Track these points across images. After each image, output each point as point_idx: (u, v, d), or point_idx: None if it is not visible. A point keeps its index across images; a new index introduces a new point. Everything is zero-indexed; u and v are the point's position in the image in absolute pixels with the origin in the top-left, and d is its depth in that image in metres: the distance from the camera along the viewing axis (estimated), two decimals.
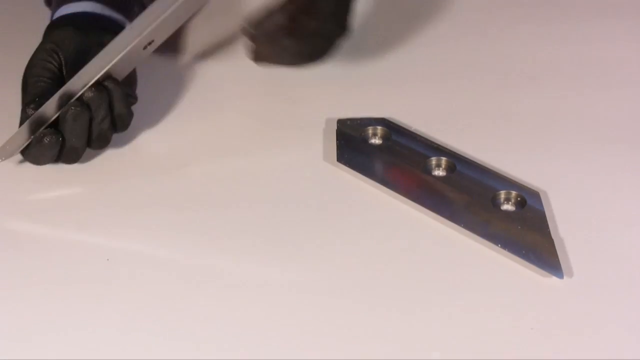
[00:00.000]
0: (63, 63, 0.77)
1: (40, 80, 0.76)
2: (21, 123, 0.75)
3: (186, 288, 0.66)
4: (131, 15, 0.83)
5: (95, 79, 0.75)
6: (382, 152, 0.78)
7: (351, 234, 0.71)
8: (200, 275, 0.67)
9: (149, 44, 0.75)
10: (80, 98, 0.75)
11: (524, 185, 0.73)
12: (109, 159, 0.79)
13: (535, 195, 0.72)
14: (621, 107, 0.83)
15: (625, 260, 0.68)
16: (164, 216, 0.73)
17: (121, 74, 0.77)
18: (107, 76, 0.76)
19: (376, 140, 0.79)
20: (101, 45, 0.76)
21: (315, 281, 0.67)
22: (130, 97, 0.79)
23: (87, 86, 0.75)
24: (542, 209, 0.71)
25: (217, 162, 0.78)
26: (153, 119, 0.82)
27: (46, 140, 0.74)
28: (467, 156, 0.77)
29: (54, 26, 0.81)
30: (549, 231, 0.69)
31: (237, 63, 0.89)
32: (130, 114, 0.78)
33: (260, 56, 0.86)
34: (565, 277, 0.66)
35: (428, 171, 0.75)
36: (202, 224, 0.72)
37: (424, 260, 0.68)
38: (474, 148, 0.77)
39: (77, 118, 0.75)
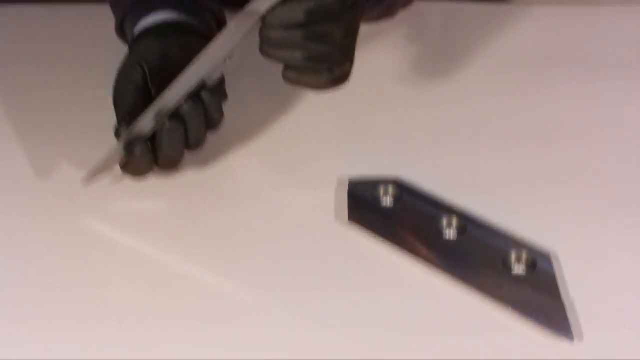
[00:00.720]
0: (147, 74, 0.80)
1: (127, 96, 0.80)
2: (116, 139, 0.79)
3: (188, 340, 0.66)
4: (204, 21, 0.87)
5: (189, 90, 0.77)
6: (393, 212, 0.78)
7: (361, 294, 0.70)
8: (204, 332, 0.67)
9: (229, 56, 0.78)
10: (175, 111, 0.78)
11: (534, 247, 0.73)
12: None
13: (545, 256, 0.73)
14: (633, 168, 0.84)
15: (637, 324, 0.68)
16: (170, 263, 0.74)
17: (209, 83, 0.79)
18: (202, 85, 0.78)
19: (387, 200, 0.80)
20: (182, 47, 0.80)
21: (325, 342, 0.66)
22: (223, 98, 0.82)
23: (178, 99, 0.77)
24: (552, 271, 0.71)
25: (227, 218, 0.78)
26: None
27: (137, 150, 0.77)
28: (478, 217, 0.77)
29: (135, 40, 0.85)
30: (559, 293, 0.69)
31: (248, 118, 0.90)
32: (222, 115, 0.81)
33: (265, 47, 0.76)
34: (575, 340, 0.66)
35: (439, 232, 0.76)
36: (210, 280, 0.72)
37: (434, 322, 0.68)
38: (485, 208, 0.78)
39: (174, 132, 0.78)
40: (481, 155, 0.86)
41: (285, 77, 0.77)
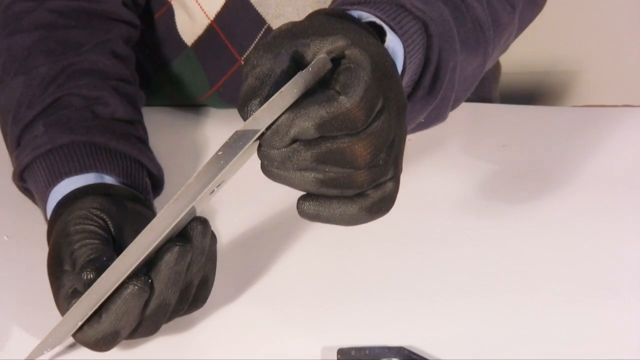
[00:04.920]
0: (111, 226, 0.83)
1: (88, 243, 0.81)
2: (62, 299, 0.79)
3: None
4: (138, 183, 0.92)
5: (168, 235, 0.77)
6: None
7: None
8: None
9: (217, 186, 0.77)
10: (184, 237, 0.79)
11: None
12: None
13: None
14: (625, 318, 0.87)
15: None
16: None
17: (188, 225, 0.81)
18: (180, 230, 0.79)
19: None
20: (136, 213, 0.84)
21: None
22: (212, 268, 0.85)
23: (153, 248, 0.77)
24: None
25: None
26: None
27: (132, 287, 0.76)
28: None
29: (70, 200, 0.87)
30: None
31: (227, 268, 0.90)
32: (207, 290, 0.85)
33: (268, 167, 0.77)
34: None
35: None
36: None
37: None
38: None
39: (181, 259, 0.77)
40: (482, 318, 0.87)
41: (301, 211, 0.76)
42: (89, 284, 0.78)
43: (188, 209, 0.76)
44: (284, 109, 0.73)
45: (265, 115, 0.73)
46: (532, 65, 1.56)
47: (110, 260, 0.78)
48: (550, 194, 1.02)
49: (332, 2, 0.91)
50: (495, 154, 1.07)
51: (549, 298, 0.90)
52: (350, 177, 0.74)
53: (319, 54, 0.74)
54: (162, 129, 1.05)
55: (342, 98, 0.72)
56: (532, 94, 1.58)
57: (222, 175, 0.75)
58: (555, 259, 0.94)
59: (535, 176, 1.04)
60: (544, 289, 0.91)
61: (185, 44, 1.12)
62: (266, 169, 0.75)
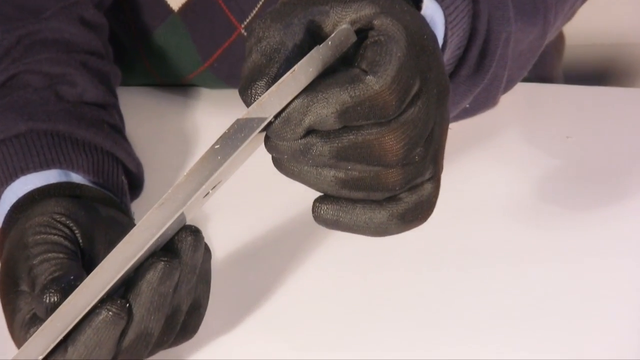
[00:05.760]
0: (79, 236, 0.81)
1: (51, 257, 0.79)
2: (18, 326, 0.78)
3: None
4: (112, 182, 0.92)
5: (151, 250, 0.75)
6: None
7: None
8: None
9: (212, 187, 0.77)
10: (171, 252, 0.76)
11: None
12: None
13: None
14: None
15: None
16: None
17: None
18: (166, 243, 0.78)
19: None
20: (110, 219, 0.83)
21: None
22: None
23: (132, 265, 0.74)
24: None
25: None
26: None
27: (106, 313, 0.74)
28: None
29: (29, 203, 0.87)
30: None
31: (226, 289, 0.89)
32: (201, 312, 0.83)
33: (280, 166, 0.75)
34: None
35: None
36: None
37: None
38: None
39: (167, 279, 0.75)
40: None
41: (317, 216, 0.74)
42: (52, 308, 0.75)
43: (176, 216, 0.73)
44: (297, 93, 0.70)
45: (273, 99, 0.71)
46: (604, 37, 1.53)
47: (79, 279, 0.75)
48: (626, 196, 0.99)
49: None
50: (557, 147, 1.05)
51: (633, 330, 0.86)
52: (378, 177, 0.72)
53: (341, 24, 0.71)
54: (142, 115, 1.04)
55: (369, 79, 0.69)
56: (604, 71, 1.53)
57: (219, 174, 0.72)
58: (636, 278, 0.91)
59: (607, 174, 1.01)
60: (625, 317, 0.87)
61: (171, 8, 1.09)
62: (278, 162, 0.73)
